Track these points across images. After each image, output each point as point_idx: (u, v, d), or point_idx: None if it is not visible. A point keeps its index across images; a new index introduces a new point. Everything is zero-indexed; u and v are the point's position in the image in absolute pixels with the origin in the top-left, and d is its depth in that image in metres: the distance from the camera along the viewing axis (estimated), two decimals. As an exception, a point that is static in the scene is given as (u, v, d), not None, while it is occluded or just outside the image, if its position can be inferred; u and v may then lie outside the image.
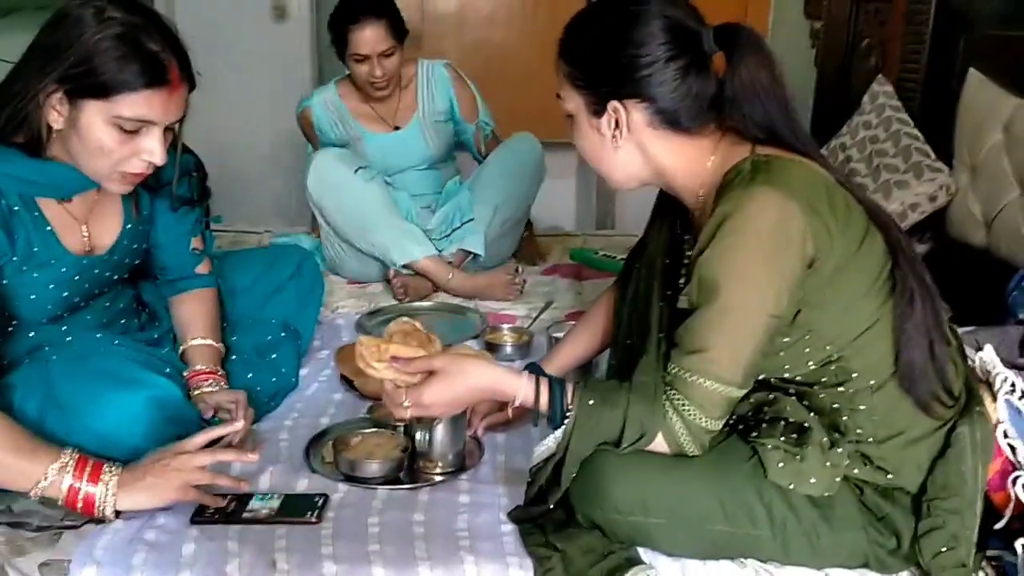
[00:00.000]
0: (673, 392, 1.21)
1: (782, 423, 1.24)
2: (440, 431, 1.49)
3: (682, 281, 1.42)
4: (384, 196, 2.48)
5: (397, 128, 2.65)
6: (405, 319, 1.99)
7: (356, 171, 2.45)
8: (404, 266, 2.42)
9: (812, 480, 1.20)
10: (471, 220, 2.53)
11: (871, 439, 1.24)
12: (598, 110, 1.30)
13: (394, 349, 1.43)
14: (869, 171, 2.42)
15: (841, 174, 1.29)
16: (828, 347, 1.24)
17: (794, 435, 1.23)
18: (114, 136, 1.38)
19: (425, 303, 2.36)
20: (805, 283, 1.20)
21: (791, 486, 1.21)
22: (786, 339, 1.23)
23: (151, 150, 1.40)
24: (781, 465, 1.21)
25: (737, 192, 1.20)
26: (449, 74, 2.69)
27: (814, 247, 1.18)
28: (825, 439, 1.22)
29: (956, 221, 2.27)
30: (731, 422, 1.30)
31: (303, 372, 1.91)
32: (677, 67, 1.25)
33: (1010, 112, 2.12)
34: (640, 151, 1.31)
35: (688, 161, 1.31)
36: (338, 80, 2.70)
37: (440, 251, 2.49)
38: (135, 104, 1.36)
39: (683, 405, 1.21)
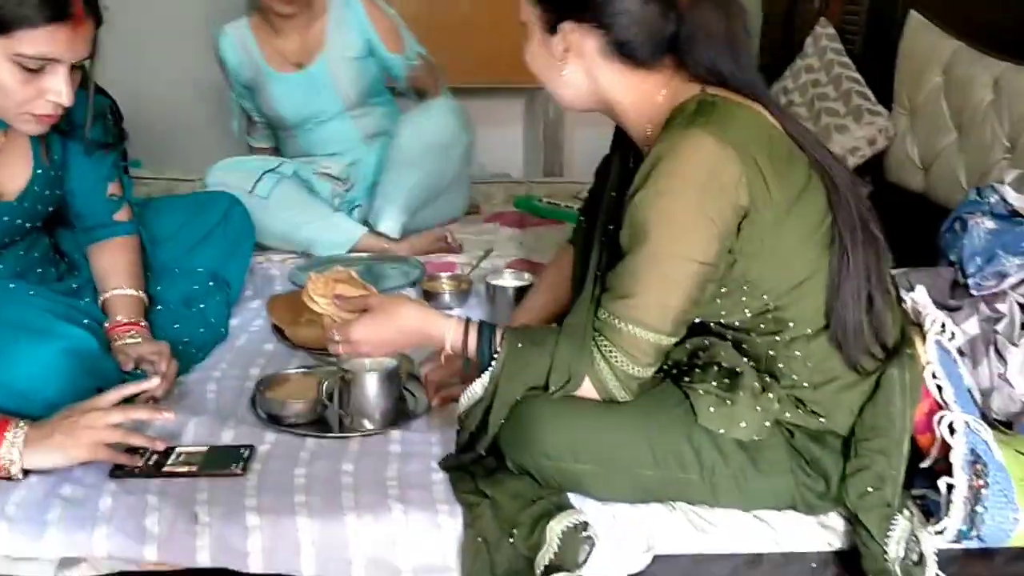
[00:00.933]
0: (601, 338, 1.20)
1: (714, 368, 1.24)
2: (357, 389, 1.45)
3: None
4: (293, 195, 2.32)
5: (299, 66, 2.44)
6: (341, 268, 1.95)
7: (253, 186, 2.26)
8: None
9: (742, 424, 1.20)
10: (385, 200, 2.36)
11: (805, 384, 1.24)
12: (552, 28, 1.25)
13: (341, 288, 1.46)
14: (810, 115, 2.41)
15: (793, 122, 1.25)
16: (765, 296, 1.22)
17: (726, 380, 1.22)
18: (16, 75, 1.30)
19: (364, 254, 2.31)
20: (741, 233, 1.18)
21: (721, 431, 1.20)
22: (723, 288, 1.22)
23: (57, 90, 1.33)
24: (712, 410, 1.20)
25: (676, 133, 1.17)
26: (364, 5, 2.47)
27: (748, 196, 1.16)
28: (756, 384, 1.22)
29: (895, 165, 2.27)
30: (665, 367, 1.29)
31: (233, 322, 1.86)
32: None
33: (949, 55, 2.11)
34: (588, 78, 1.27)
35: (637, 96, 1.27)
36: (249, 12, 2.55)
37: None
38: (36, 40, 1.29)
39: (610, 351, 1.19)
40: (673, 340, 1.21)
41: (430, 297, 1.97)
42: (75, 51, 1.33)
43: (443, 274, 2.09)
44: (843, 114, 2.32)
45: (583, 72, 1.26)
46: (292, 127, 2.51)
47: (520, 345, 1.23)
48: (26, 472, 1.25)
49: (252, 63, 2.46)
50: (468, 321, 1.30)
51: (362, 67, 2.48)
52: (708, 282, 1.19)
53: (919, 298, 1.33)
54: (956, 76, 2.08)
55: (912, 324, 1.32)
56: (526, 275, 1.75)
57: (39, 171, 1.53)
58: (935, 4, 2.24)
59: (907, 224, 1.85)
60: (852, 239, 1.21)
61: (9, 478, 1.25)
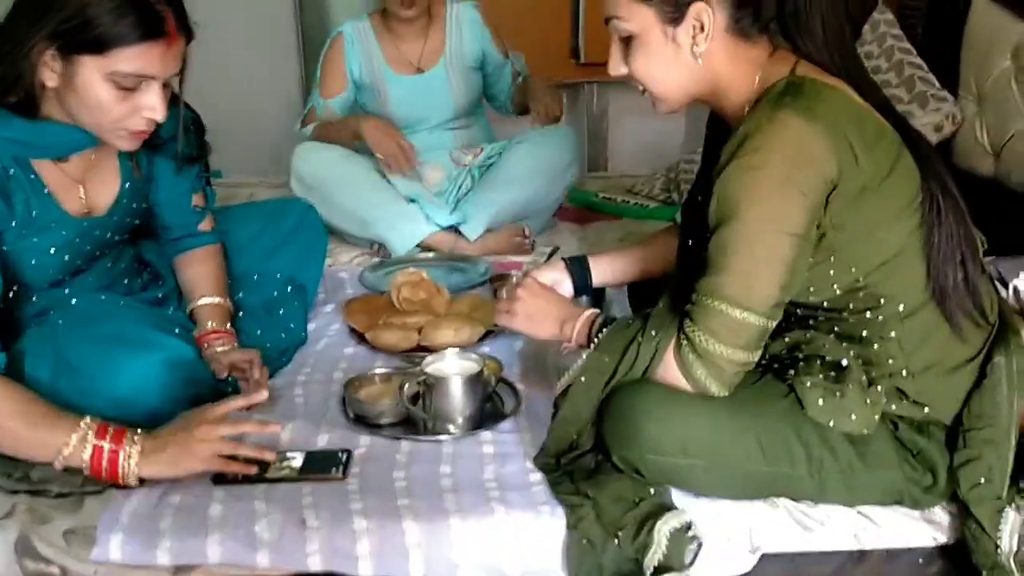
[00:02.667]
0: (688, 321, 1.20)
1: (819, 361, 1.23)
2: (440, 393, 1.45)
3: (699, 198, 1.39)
4: (372, 176, 2.37)
5: (420, 69, 2.50)
6: (412, 269, 1.98)
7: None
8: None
9: (852, 417, 1.19)
10: (477, 207, 2.36)
11: (904, 371, 1.23)
12: (677, 18, 1.23)
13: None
14: (873, 103, 2.38)
15: (881, 98, 1.25)
16: (854, 269, 1.21)
17: (832, 373, 1.21)
18: (112, 93, 1.33)
19: (430, 254, 2.32)
20: (829, 206, 1.17)
21: (831, 423, 1.20)
22: (811, 260, 1.20)
23: (152, 106, 1.35)
24: (821, 402, 1.20)
25: (764, 112, 1.17)
26: (481, 16, 2.55)
27: (836, 168, 1.15)
28: (863, 377, 1.21)
29: (963, 151, 2.24)
30: (764, 362, 1.28)
31: (310, 327, 1.88)
32: None
33: (1018, 38, 2.08)
34: (707, 60, 1.25)
35: (742, 74, 1.25)
36: (370, 13, 2.57)
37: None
38: (132, 58, 1.31)
39: (694, 332, 1.19)
40: (766, 322, 1.19)
41: (501, 297, 1.98)
42: (168, 67, 1.35)
43: (513, 272, 2.10)
44: (907, 101, 2.29)
45: (707, 53, 1.24)
46: (396, 126, 2.49)
47: (615, 325, 1.27)
48: (141, 481, 1.28)
49: (372, 61, 2.50)
50: (594, 316, 1.34)
51: (475, 77, 2.56)
52: (800, 259, 1.17)
53: (1023, 286, 1.31)
54: (1027, 59, 2.06)
55: (1015, 312, 1.31)
56: (473, 356, 1.53)
57: (127, 185, 1.56)
58: (1000, -13, 2.21)
59: (979, 210, 1.83)
60: (944, 200, 1.21)
61: (126, 485, 1.27)
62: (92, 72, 1.31)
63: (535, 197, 2.40)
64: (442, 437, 1.45)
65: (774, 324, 1.21)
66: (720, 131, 1.36)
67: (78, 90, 1.32)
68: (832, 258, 1.21)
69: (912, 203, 1.22)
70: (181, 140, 1.54)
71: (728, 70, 1.26)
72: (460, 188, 2.47)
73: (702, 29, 1.22)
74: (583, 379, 1.27)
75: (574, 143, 2.52)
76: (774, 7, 1.22)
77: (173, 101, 1.42)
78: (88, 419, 1.26)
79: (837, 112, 1.17)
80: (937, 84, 2.30)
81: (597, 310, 1.38)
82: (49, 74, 1.33)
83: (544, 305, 1.43)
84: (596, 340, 1.29)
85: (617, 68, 1.30)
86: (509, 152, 2.45)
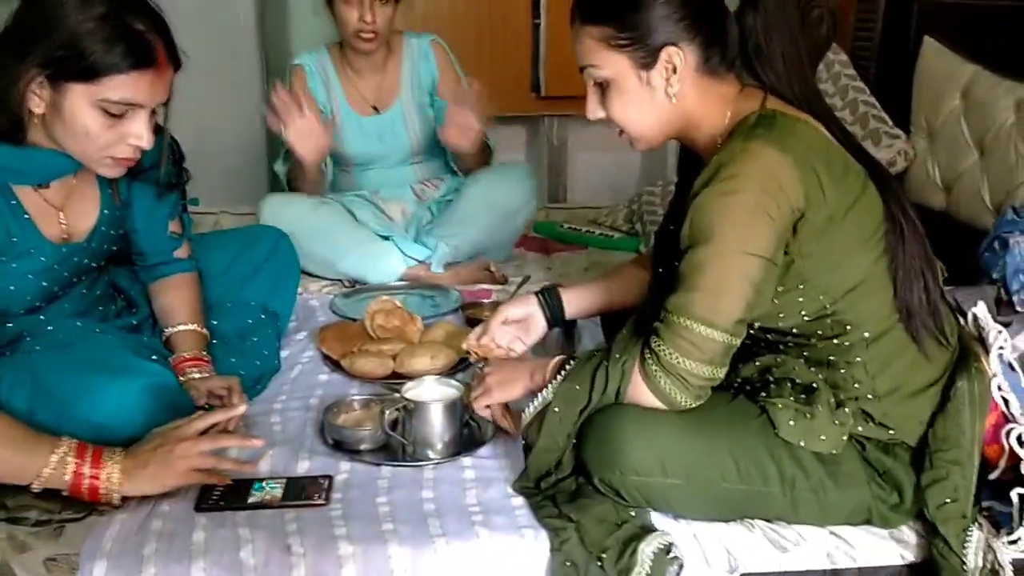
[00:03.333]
0: (655, 338, 1.24)
1: (789, 384, 1.28)
2: (420, 419, 1.47)
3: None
4: (344, 220, 2.35)
5: (376, 109, 2.48)
6: (385, 297, 1.99)
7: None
8: None
9: (822, 437, 1.24)
10: (439, 241, 2.34)
11: (870, 395, 1.28)
12: (649, 62, 1.28)
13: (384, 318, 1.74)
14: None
15: (843, 131, 1.32)
16: (822, 297, 1.27)
17: (802, 395, 1.26)
18: (100, 120, 1.33)
19: (401, 282, 2.34)
20: (797, 234, 1.23)
21: (801, 443, 1.24)
22: (780, 287, 1.26)
23: (138, 134, 1.36)
24: (792, 423, 1.24)
25: (738, 144, 1.23)
26: (435, 51, 2.50)
27: (804, 198, 1.21)
28: (832, 399, 1.26)
29: (915, 186, 2.34)
30: (736, 384, 1.33)
31: (283, 354, 1.88)
32: (709, 5, 1.28)
33: (968, 78, 2.18)
34: (680, 100, 1.31)
35: (713, 110, 1.32)
36: (328, 45, 2.52)
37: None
38: (122, 87, 1.32)
39: (661, 347, 1.23)
40: (730, 339, 1.23)
41: (474, 324, 1.99)
42: (156, 96, 1.36)
43: (484, 300, 2.13)
44: (862, 137, 2.38)
45: (680, 93, 1.30)
46: (353, 165, 2.51)
47: (582, 356, 1.31)
48: (123, 499, 1.27)
49: (331, 98, 2.46)
50: (562, 361, 1.36)
51: (428, 112, 2.51)
52: (765, 281, 1.23)
53: (980, 313, 1.38)
54: (975, 99, 2.15)
55: (973, 339, 1.38)
56: (453, 382, 1.55)
57: (106, 211, 1.56)
58: (948, 30, 2.32)
59: (931, 242, 1.91)
60: (906, 225, 1.28)
61: (102, 510, 1.27)
62: (80, 99, 1.31)
63: (491, 233, 2.40)
64: (423, 462, 1.46)
65: (738, 341, 1.26)
66: (693, 163, 1.41)
67: (65, 117, 1.33)
68: (801, 286, 1.26)
69: (876, 233, 1.28)
70: (164, 168, 1.54)
71: (700, 107, 1.32)
72: (421, 220, 2.49)
73: (674, 71, 1.28)
74: (556, 409, 1.30)
75: (530, 181, 2.50)
76: (739, 44, 1.30)
77: (157, 129, 1.43)
78: (67, 439, 1.26)
79: (806, 145, 1.24)
80: (890, 122, 2.39)
81: (564, 356, 1.39)
82: (37, 101, 1.33)
83: (511, 368, 1.44)
84: (564, 371, 1.32)
85: (595, 113, 1.36)
86: (466, 189, 2.44)
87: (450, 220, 2.39)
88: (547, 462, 1.33)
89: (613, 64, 1.30)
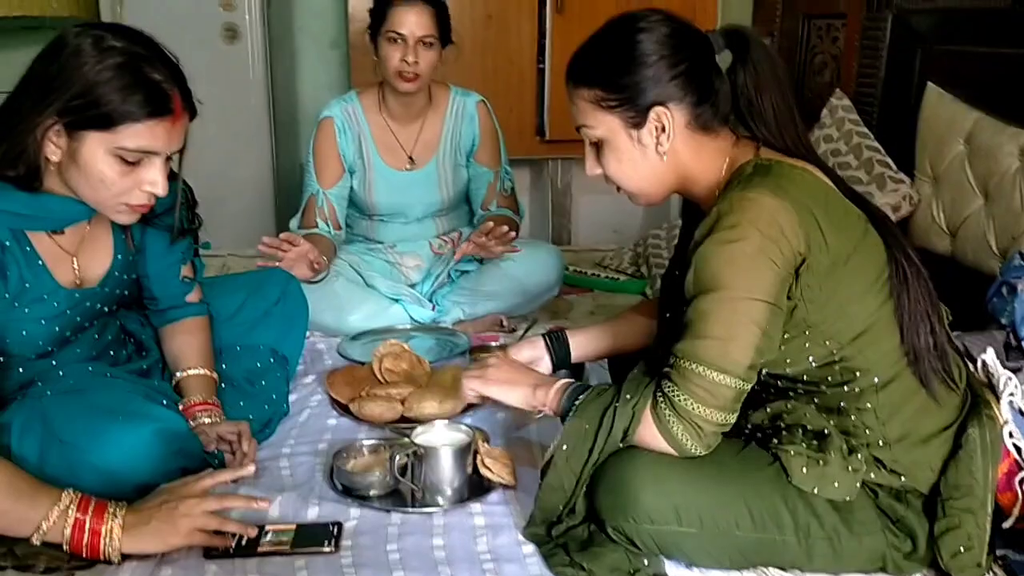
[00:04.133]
0: (667, 382, 1.25)
1: (801, 430, 1.28)
2: (430, 464, 1.47)
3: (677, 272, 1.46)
4: (353, 285, 2.34)
5: (412, 160, 2.42)
6: (393, 341, 2.00)
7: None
8: None
9: (835, 484, 1.24)
10: (456, 306, 2.37)
11: (881, 442, 1.28)
12: (638, 122, 1.32)
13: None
14: (833, 183, 2.49)
15: (839, 178, 1.35)
16: (828, 343, 1.27)
17: (814, 441, 1.26)
18: (116, 167, 1.34)
19: (408, 325, 2.34)
20: (800, 279, 1.24)
21: (815, 490, 1.24)
22: (786, 334, 1.27)
23: (153, 181, 1.37)
24: (804, 470, 1.24)
25: (736, 193, 1.25)
26: (480, 113, 2.46)
27: (805, 243, 1.22)
28: (844, 445, 1.26)
29: (920, 231, 2.35)
30: (747, 431, 1.33)
31: (292, 398, 1.89)
32: (698, 64, 1.32)
33: (971, 125, 2.20)
34: (673, 156, 1.34)
35: (708, 164, 1.35)
36: (359, 91, 2.47)
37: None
38: (138, 135, 1.33)
39: (674, 392, 1.24)
40: (742, 384, 1.24)
41: (482, 368, 2.00)
42: (172, 144, 1.38)
43: (492, 344, 2.13)
44: (866, 182, 2.40)
45: (672, 150, 1.33)
46: (377, 213, 2.49)
47: (592, 392, 1.32)
48: (124, 556, 1.26)
49: (363, 148, 2.41)
50: (566, 384, 1.38)
51: (462, 172, 2.49)
52: (772, 325, 1.24)
53: (989, 360, 1.38)
54: (979, 145, 2.17)
55: (983, 385, 1.38)
56: (463, 427, 1.55)
57: (119, 256, 1.57)
58: (950, 77, 2.34)
59: (937, 286, 1.92)
60: (909, 269, 1.29)
61: (108, 562, 1.26)
62: (97, 147, 1.33)
63: (511, 310, 2.40)
64: (432, 509, 1.45)
65: (749, 386, 1.26)
66: (695, 212, 1.44)
67: (81, 165, 1.34)
68: (807, 332, 1.27)
69: (880, 278, 1.29)
70: (178, 214, 1.56)
71: (695, 161, 1.35)
72: (437, 279, 2.46)
73: (663, 130, 1.31)
74: (564, 447, 1.30)
75: (558, 264, 2.48)
76: (730, 101, 1.34)
77: (171, 176, 1.44)
78: (70, 491, 1.25)
79: (804, 191, 1.26)
80: (894, 167, 2.41)
81: (570, 379, 1.42)
82: (53, 149, 1.34)
83: (516, 372, 1.47)
84: (574, 407, 1.32)
85: (592, 170, 1.40)
86: (491, 266, 2.39)
87: (470, 291, 2.39)
88: (554, 502, 1.33)
89: (605, 124, 1.34)
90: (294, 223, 2.44)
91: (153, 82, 1.33)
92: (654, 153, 1.33)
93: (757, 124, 1.34)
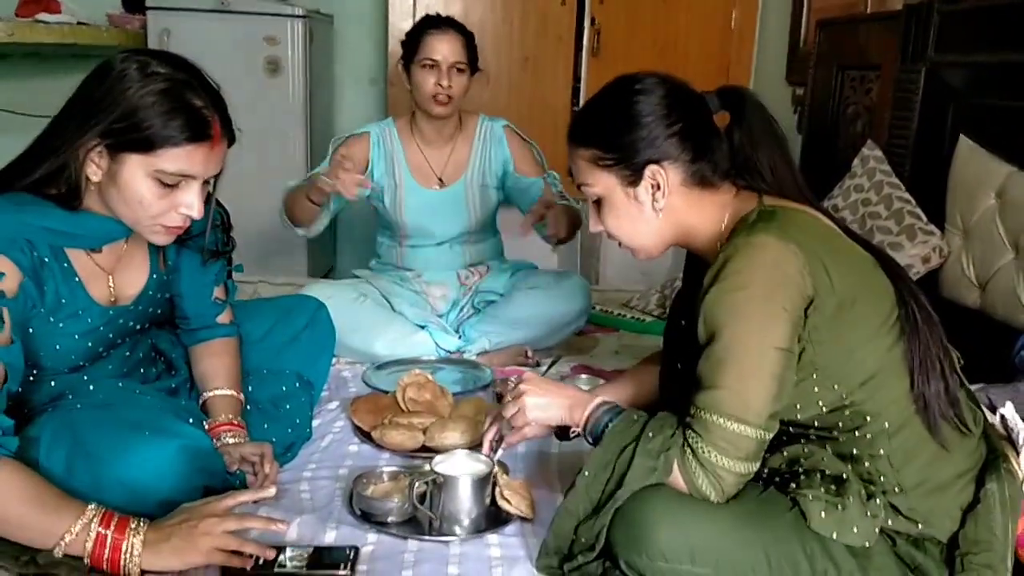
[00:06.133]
0: (691, 432, 1.26)
1: (819, 475, 1.27)
2: (449, 493, 1.48)
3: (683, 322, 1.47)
4: (381, 312, 2.40)
5: (441, 181, 2.52)
6: (417, 371, 2.02)
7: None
8: None
9: (854, 529, 1.23)
10: (481, 335, 2.40)
11: (896, 488, 1.27)
12: (634, 180, 1.36)
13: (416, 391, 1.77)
14: (863, 232, 2.48)
15: (842, 223, 1.37)
16: (837, 387, 1.27)
17: (833, 486, 1.26)
18: (154, 189, 1.38)
19: (433, 355, 2.36)
20: (808, 321, 1.24)
21: (834, 535, 1.23)
22: (795, 378, 1.27)
23: (189, 204, 1.41)
24: (823, 515, 1.23)
25: (741, 239, 1.27)
26: (507, 136, 2.55)
27: (812, 285, 1.23)
28: (863, 491, 1.25)
29: (950, 283, 2.33)
30: (764, 476, 1.33)
31: (315, 423, 1.91)
32: (694, 124, 1.36)
33: (1003, 179, 2.20)
34: (671, 212, 1.38)
35: (709, 217, 1.38)
36: (395, 118, 2.60)
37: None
38: (177, 158, 1.37)
39: (697, 443, 1.24)
40: (763, 434, 1.24)
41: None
42: (209, 169, 1.42)
43: (512, 378, 2.14)
44: (896, 232, 2.40)
45: (668, 208, 1.37)
46: (407, 236, 2.54)
47: (621, 422, 1.32)
48: (143, 573, 1.28)
49: (395, 167, 2.51)
50: (601, 403, 1.39)
51: (493, 195, 2.56)
52: (787, 371, 1.24)
53: (1008, 414, 1.37)
54: (1011, 199, 2.16)
55: (1002, 439, 1.37)
56: (483, 458, 1.55)
57: (154, 276, 1.61)
58: (983, 130, 2.34)
59: (967, 339, 1.91)
60: (919, 313, 1.30)
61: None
62: (136, 169, 1.36)
63: (537, 340, 2.43)
64: (449, 538, 1.46)
65: (770, 435, 1.26)
66: (697, 262, 1.47)
67: (120, 185, 1.38)
68: (815, 375, 1.27)
69: (888, 320, 1.29)
70: (209, 236, 1.60)
71: (693, 216, 1.38)
72: (462, 310, 2.51)
73: (659, 187, 1.35)
74: (586, 473, 1.31)
75: (584, 294, 2.53)
76: (728, 158, 1.37)
77: (207, 199, 1.48)
78: (94, 506, 1.27)
79: (809, 234, 1.28)
80: (924, 218, 2.40)
81: (604, 399, 1.42)
82: (94, 169, 1.38)
83: (550, 392, 1.47)
84: (606, 431, 1.34)
85: (594, 227, 1.46)
86: (518, 293, 2.47)
87: (496, 319, 2.42)
88: (566, 529, 1.33)
89: (602, 182, 1.38)
90: (290, 183, 2.43)
91: (194, 108, 1.37)
92: (650, 210, 1.37)
93: (755, 179, 1.37)
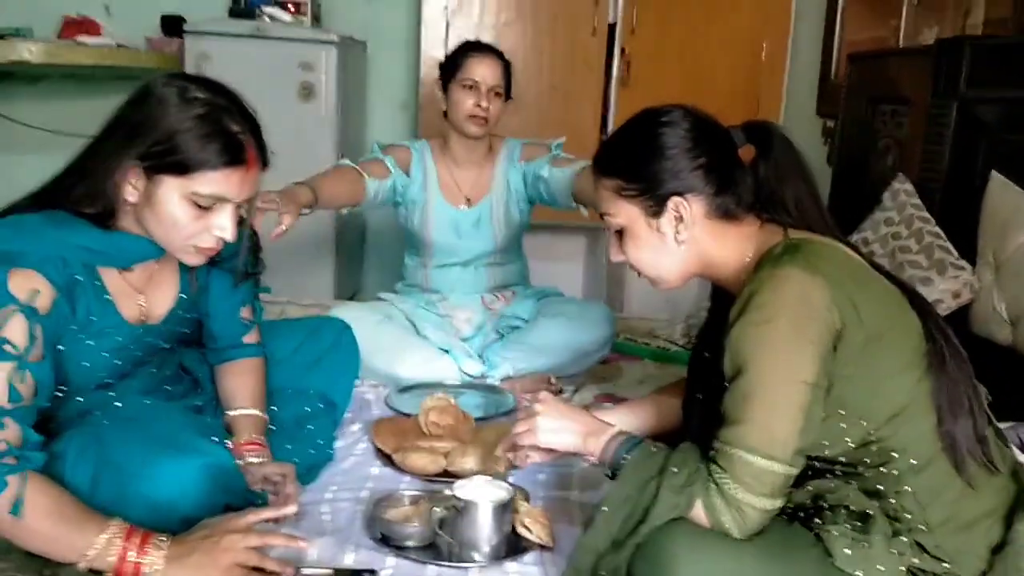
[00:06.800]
0: (714, 466, 1.24)
1: (843, 511, 1.25)
2: (468, 519, 1.48)
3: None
4: (406, 335, 2.42)
5: (468, 201, 2.57)
6: (440, 395, 2.02)
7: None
8: None
9: (880, 567, 1.20)
10: (504, 360, 2.40)
11: (923, 525, 1.25)
12: (657, 211, 1.36)
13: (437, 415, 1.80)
14: (892, 266, 2.46)
15: (869, 257, 1.37)
16: (864, 423, 1.26)
17: (858, 523, 1.24)
18: (188, 211, 1.40)
19: (457, 380, 2.37)
20: (836, 355, 1.23)
21: (859, 573, 1.21)
22: (822, 413, 1.25)
23: (223, 226, 1.43)
24: (848, 552, 1.21)
25: (766, 271, 1.26)
26: (520, 148, 2.60)
27: (840, 318, 1.22)
28: (888, 528, 1.23)
29: (980, 319, 2.31)
30: (789, 510, 1.31)
31: (338, 445, 1.91)
32: (718, 157, 1.36)
33: (1034, 215, 2.19)
34: (694, 244, 1.38)
35: (732, 250, 1.38)
36: (428, 140, 2.65)
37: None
38: (212, 182, 1.39)
39: (722, 478, 1.23)
40: (789, 469, 1.23)
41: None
42: (244, 192, 1.43)
43: (527, 398, 2.14)
44: (926, 267, 2.38)
45: (691, 239, 1.37)
46: (433, 255, 2.58)
47: (640, 453, 1.30)
48: None
49: (427, 183, 2.55)
50: (618, 434, 1.38)
51: (515, 211, 2.60)
52: (814, 405, 1.22)
53: (1041, 454, 1.34)
54: (1043, 236, 2.15)
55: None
56: (504, 485, 1.54)
57: (183, 296, 1.62)
58: (1014, 166, 2.32)
59: (997, 376, 1.88)
60: (948, 350, 1.28)
61: None
62: (172, 191, 1.39)
63: (561, 368, 2.43)
64: (468, 564, 1.46)
65: (796, 471, 1.25)
66: (723, 295, 1.46)
67: (156, 206, 1.40)
68: (842, 411, 1.26)
69: (916, 355, 1.28)
70: (241, 258, 1.61)
71: (717, 249, 1.38)
72: (487, 335, 2.53)
73: (681, 219, 1.35)
74: (605, 508, 1.29)
75: (609, 322, 2.55)
76: (753, 192, 1.37)
77: (240, 221, 1.49)
78: (118, 521, 1.28)
79: (836, 267, 1.27)
80: (955, 253, 2.38)
81: (620, 429, 1.41)
82: (131, 190, 1.40)
83: (566, 416, 1.46)
84: (622, 463, 1.32)
85: (615, 256, 1.45)
86: (543, 320, 2.49)
87: (520, 345, 2.43)
88: (585, 563, 1.31)
89: (625, 212, 1.39)
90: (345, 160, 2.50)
91: (231, 133, 1.39)
92: (673, 241, 1.37)
93: (780, 214, 1.37)
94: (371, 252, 4.34)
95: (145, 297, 1.57)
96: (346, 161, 2.48)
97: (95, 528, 1.27)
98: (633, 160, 1.37)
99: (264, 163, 1.46)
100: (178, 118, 1.37)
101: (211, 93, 1.40)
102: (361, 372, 2.20)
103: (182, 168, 1.37)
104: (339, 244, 3.84)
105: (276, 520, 1.49)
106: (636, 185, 1.37)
